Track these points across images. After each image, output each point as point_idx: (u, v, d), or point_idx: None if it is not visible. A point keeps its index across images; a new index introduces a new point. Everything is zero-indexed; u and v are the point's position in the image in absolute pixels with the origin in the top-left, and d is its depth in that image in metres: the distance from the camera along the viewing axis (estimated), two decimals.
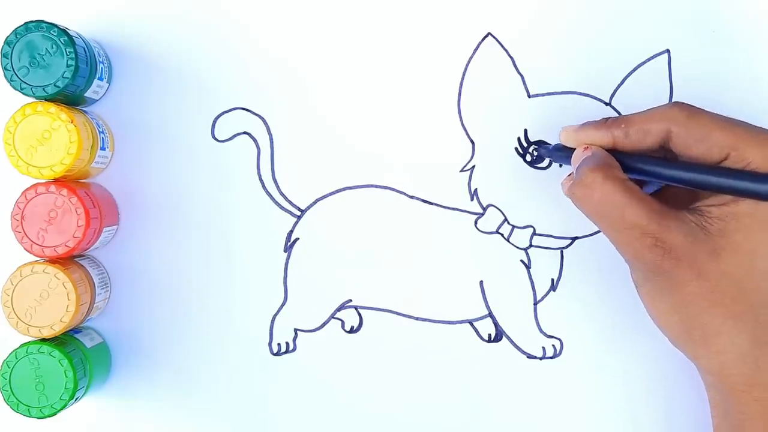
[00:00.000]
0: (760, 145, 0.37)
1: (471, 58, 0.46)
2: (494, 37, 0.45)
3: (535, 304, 0.46)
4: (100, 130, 0.44)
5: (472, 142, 0.46)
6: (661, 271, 0.38)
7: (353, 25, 0.46)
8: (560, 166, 0.45)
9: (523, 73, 0.45)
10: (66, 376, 0.41)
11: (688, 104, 0.39)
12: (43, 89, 0.41)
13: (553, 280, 0.46)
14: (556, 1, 0.45)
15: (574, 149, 0.42)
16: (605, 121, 0.41)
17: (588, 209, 0.40)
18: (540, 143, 0.45)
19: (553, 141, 0.45)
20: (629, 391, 0.45)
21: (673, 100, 0.45)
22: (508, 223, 0.45)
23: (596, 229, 0.45)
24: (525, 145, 0.45)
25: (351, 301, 0.46)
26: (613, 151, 0.41)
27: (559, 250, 0.46)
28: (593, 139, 0.41)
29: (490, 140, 0.46)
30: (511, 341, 0.46)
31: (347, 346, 0.46)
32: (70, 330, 0.44)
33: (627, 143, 0.40)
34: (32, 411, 0.41)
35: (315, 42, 0.46)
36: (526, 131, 0.45)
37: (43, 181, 0.42)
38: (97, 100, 0.45)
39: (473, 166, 0.46)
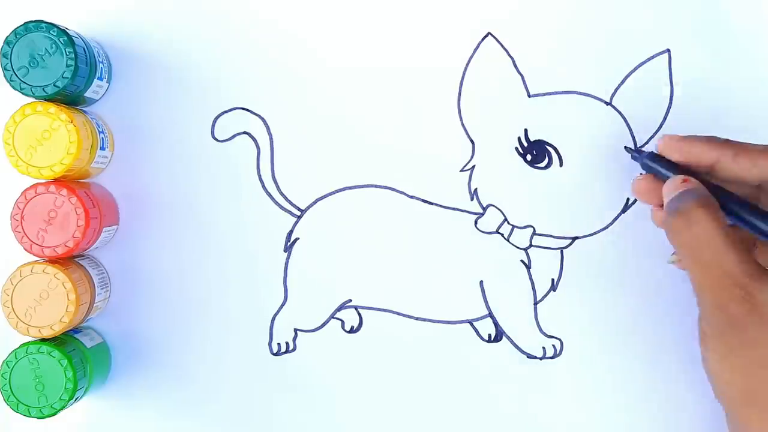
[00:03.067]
0: None
1: (471, 58, 0.46)
2: (494, 37, 0.45)
3: (535, 304, 0.46)
4: (100, 130, 0.44)
5: (472, 142, 0.46)
6: (741, 327, 0.37)
7: (353, 25, 0.46)
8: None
9: (523, 73, 0.45)
10: (66, 376, 0.41)
11: None
12: (43, 89, 0.41)
13: (553, 280, 0.46)
14: (557, 1, 0.45)
15: (669, 161, 0.41)
16: (714, 139, 0.40)
17: (682, 243, 0.38)
18: (541, 143, 0.45)
19: (553, 141, 0.45)
20: (629, 391, 0.45)
21: (672, 102, 0.45)
22: (508, 223, 0.45)
23: (596, 228, 0.45)
24: (525, 144, 0.45)
25: (351, 301, 0.46)
26: (707, 179, 0.39)
27: (559, 250, 0.46)
28: (696, 153, 0.40)
29: (490, 140, 0.45)
30: (511, 341, 0.46)
31: (347, 346, 0.46)
32: (70, 330, 0.44)
33: (730, 168, 0.39)
34: (32, 411, 0.41)
35: (315, 42, 0.46)
36: (526, 131, 0.45)
37: (43, 181, 0.42)
38: (97, 100, 0.45)
39: (473, 166, 0.46)
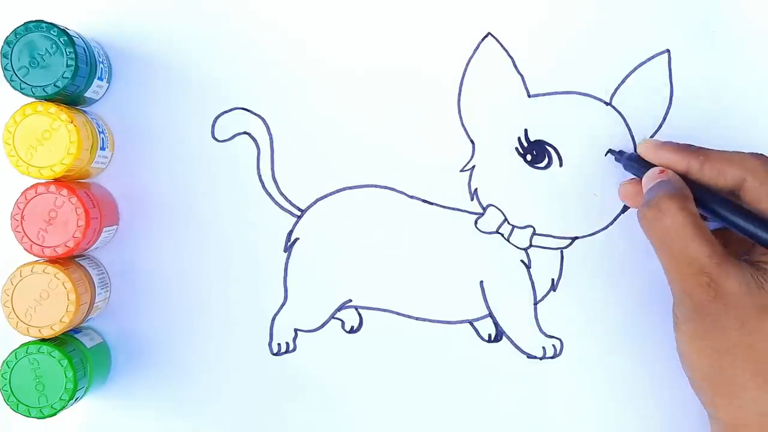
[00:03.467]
0: None
1: (471, 58, 0.46)
2: (494, 37, 0.45)
3: (535, 304, 0.46)
4: (100, 130, 0.44)
5: (472, 142, 0.46)
6: (706, 312, 0.38)
7: (353, 25, 0.46)
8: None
9: (523, 73, 0.45)
10: (66, 376, 0.41)
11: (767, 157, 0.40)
12: (43, 89, 0.41)
13: (553, 280, 0.46)
14: (557, 1, 0.45)
15: (648, 163, 0.42)
16: (686, 147, 0.41)
17: (653, 233, 0.39)
18: (541, 143, 0.45)
19: (553, 141, 0.45)
20: (629, 390, 0.45)
21: (672, 102, 0.45)
22: (508, 223, 0.45)
23: (596, 228, 0.45)
24: (525, 144, 0.45)
25: (351, 301, 0.46)
26: (688, 182, 0.40)
27: (559, 250, 0.46)
28: (669, 161, 0.41)
29: (490, 140, 0.45)
30: (511, 341, 0.46)
31: (347, 346, 0.46)
32: (70, 330, 0.44)
33: (699, 176, 0.40)
34: (32, 411, 0.41)
35: (315, 42, 0.46)
36: (526, 131, 0.45)
37: (43, 181, 0.42)
38: (97, 100, 0.45)
39: (473, 166, 0.46)
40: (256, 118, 0.46)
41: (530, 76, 0.45)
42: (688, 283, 0.38)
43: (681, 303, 0.39)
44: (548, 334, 0.46)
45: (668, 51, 0.45)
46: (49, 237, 0.42)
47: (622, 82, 0.45)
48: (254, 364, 0.46)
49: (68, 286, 0.41)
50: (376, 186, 0.46)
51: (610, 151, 0.45)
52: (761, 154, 0.40)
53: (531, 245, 0.45)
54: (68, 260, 0.43)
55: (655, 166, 0.42)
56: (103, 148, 0.44)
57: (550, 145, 0.45)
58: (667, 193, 0.39)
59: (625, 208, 0.45)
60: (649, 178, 0.41)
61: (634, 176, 0.44)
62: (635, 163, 0.43)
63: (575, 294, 0.46)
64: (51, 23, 0.41)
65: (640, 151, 0.43)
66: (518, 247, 0.46)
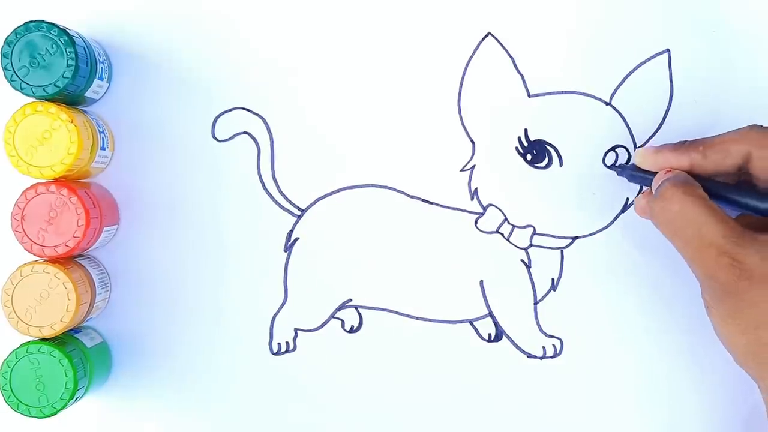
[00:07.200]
0: None
1: (471, 58, 0.46)
2: (494, 37, 0.45)
3: (535, 303, 0.46)
4: (100, 130, 0.44)
5: (472, 142, 0.46)
6: (734, 292, 0.37)
7: (353, 24, 0.46)
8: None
9: (523, 73, 0.45)
10: (66, 376, 0.41)
11: (765, 126, 0.40)
12: (43, 89, 0.41)
13: (553, 280, 0.46)
14: (557, 1, 0.45)
15: (650, 171, 0.42)
16: (682, 144, 0.41)
17: (664, 224, 0.39)
18: (541, 143, 0.45)
19: (553, 141, 0.45)
20: (629, 390, 0.45)
21: (672, 102, 0.45)
22: (508, 222, 0.45)
23: (596, 228, 0.45)
24: (525, 144, 0.45)
25: (351, 300, 0.46)
26: (693, 176, 0.40)
27: (559, 250, 0.46)
28: (671, 162, 0.41)
29: (490, 140, 0.46)
30: (511, 341, 0.46)
31: (347, 346, 0.46)
32: (70, 330, 0.44)
33: (705, 165, 0.40)
34: (32, 411, 0.41)
35: (315, 42, 0.46)
36: (526, 131, 0.45)
37: (43, 181, 0.42)
38: (97, 100, 0.45)
39: (473, 166, 0.46)
40: (256, 118, 0.46)
41: (530, 76, 0.45)
42: (711, 267, 0.38)
43: (708, 287, 0.39)
44: (548, 333, 0.46)
45: (668, 51, 0.45)
46: (49, 237, 0.42)
47: (622, 82, 0.45)
48: (254, 364, 0.46)
49: (68, 285, 0.41)
50: (376, 186, 0.46)
51: (610, 166, 0.45)
52: (757, 125, 0.40)
53: (531, 245, 0.45)
54: (68, 260, 0.43)
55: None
56: (103, 148, 0.44)
57: (550, 145, 0.45)
58: (672, 183, 0.39)
59: (625, 208, 0.45)
60: (657, 181, 0.41)
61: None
62: (638, 173, 0.43)
63: (575, 294, 0.46)
64: (51, 23, 0.41)
65: (638, 162, 0.42)
66: (518, 247, 0.46)
